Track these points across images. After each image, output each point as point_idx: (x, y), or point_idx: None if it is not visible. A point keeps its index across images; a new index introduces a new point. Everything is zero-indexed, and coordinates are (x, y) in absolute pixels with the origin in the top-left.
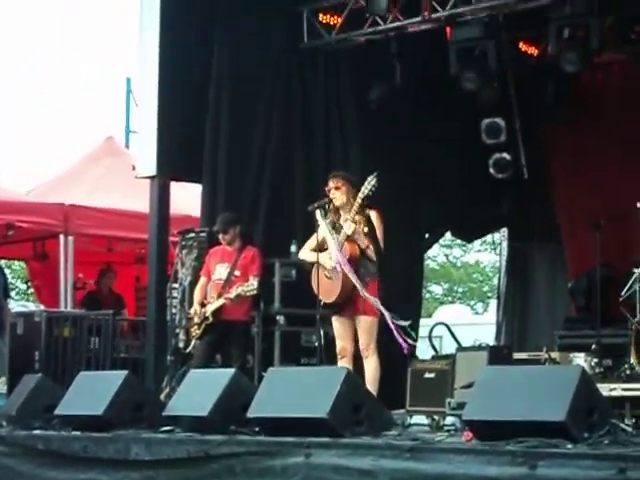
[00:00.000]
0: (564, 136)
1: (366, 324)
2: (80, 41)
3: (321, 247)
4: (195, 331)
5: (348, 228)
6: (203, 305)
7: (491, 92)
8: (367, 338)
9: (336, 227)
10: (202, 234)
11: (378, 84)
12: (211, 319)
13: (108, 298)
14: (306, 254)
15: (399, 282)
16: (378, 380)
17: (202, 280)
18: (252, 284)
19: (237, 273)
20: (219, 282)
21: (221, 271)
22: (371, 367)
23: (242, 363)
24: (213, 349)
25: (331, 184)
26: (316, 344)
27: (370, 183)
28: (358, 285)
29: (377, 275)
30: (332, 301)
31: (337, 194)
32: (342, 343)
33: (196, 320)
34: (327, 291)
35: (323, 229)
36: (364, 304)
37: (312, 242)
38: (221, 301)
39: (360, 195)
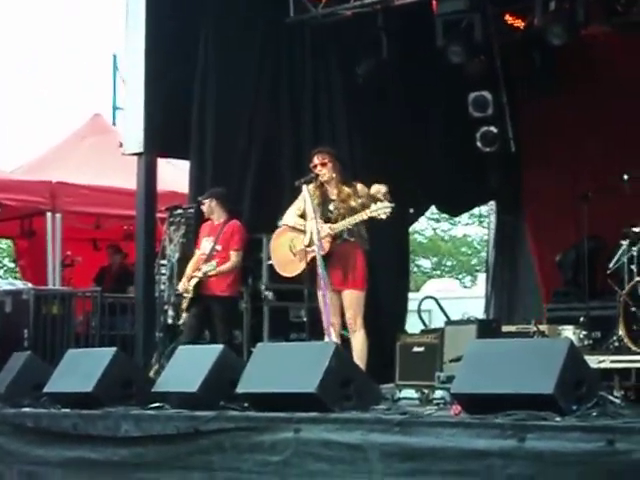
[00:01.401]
0: (551, 109)
1: (352, 298)
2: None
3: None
4: (183, 304)
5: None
6: (191, 279)
7: (477, 65)
8: (353, 312)
9: (327, 201)
10: (190, 211)
11: (365, 58)
12: (192, 294)
13: (116, 274)
14: (289, 218)
15: (385, 257)
16: (366, 354)
17: (196, 254)
18: (212, 264)
19: (218, 247)
20: (203, 256)
21: (206, 245)
22: (358, 341)
23: (228, 339)
24: (200, 324)
25: (316, 160)
26: (305, 319)
27: (381, 209)
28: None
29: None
30: (289, 275)
31: (323, 170)
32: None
33: (183, 294)
34: (285, 264)
35: (308, 206)
36: (348, 277)
37: (295, 208)
38: (197, 277)
39: (368, 212)
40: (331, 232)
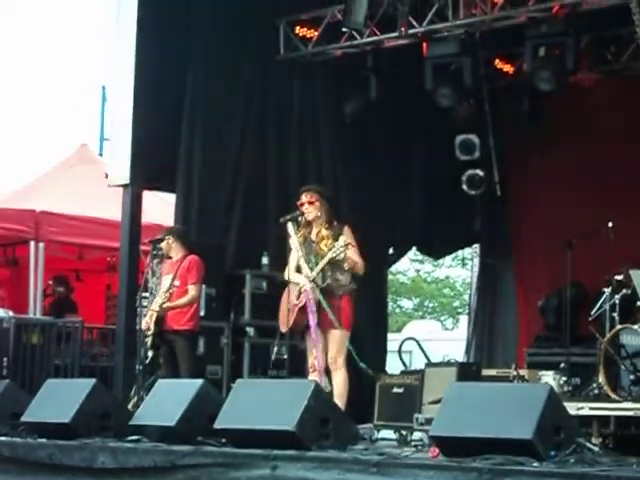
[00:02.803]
0: (538, 154)
1: (335, 337)
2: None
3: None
4: (148, 342)
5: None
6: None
7: (466, 109)
8: (336, 351)
9: (307, 241)
10: None
11: (354, 98)
12: (153, 329)
13: (61, 304)
14: (294, 276)
15: (364, 296)
16: (346, 394)
17: (158, 293)
18: (165, 295)
19: (177, 283)
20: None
21: (166, 282)
22: (339, 380)
23: (192, 373)
24: (172, 359)
25: (304, 198)
26: (285, 356)
27: (338, 249)
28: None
29: (352, 286)
30: (282, 331)
31: (310, 208)
32: (312, 357)
33: (146, 331)
34: (282, 320)
35: (294, 242)
36: (337, 316)
37: (293, 261)
38: (153, 312)
39: (331, 255)
40: (310, 278)
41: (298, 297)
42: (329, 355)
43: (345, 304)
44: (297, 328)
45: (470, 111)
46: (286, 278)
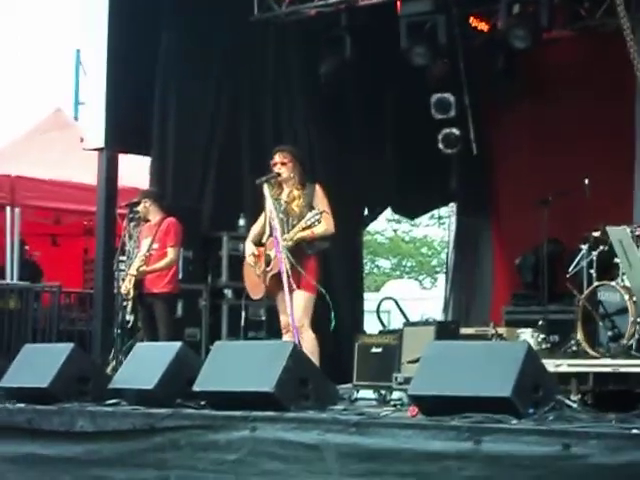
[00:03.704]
0: (512, 112)
1: (299, 299)
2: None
3: (264, 228)
4: (128, 306)
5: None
6: (130, 280)
7: (441, 67)
8: (302, 312)
9: (278, 202)
10: None
11: (328, 58)
12: (132, 293)
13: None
14: (248, 246)
15: (340, 257)
16: (317, 352)
17: (137, 256)
18: (141, 257)
19: (155, 246)
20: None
21: (145, 246)
22: (308, 341)
23: (172, 337)
24: (152, 323)
25: (277, 158)
26: (263, 318)
27: (313, 218)
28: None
29: (320, 245)
30: (256, 298)
31: (283, 169)
32: (285, 318)
33: (127, 296)
34: (253, 288)
35: (269, 204)
36: (299, 279)
37: (256, 229)
38: (132, 276)
39: (302, 224)
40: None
41: (268, 264)
42: (295, 316)
43: (312, 265)
44: (270, 294)
45: (445, 70)
46: (247, 249)
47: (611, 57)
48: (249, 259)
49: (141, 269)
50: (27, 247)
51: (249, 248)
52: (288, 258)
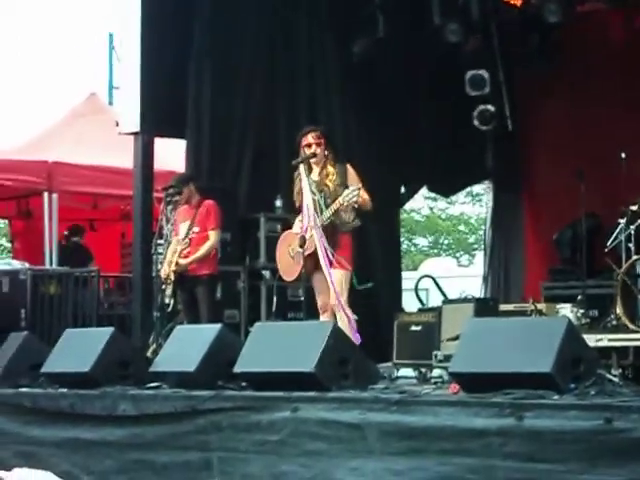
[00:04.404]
0: (548, 87)
1: (335, 277)
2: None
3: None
4: (167, 290)
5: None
6: (171, 264)
7: (474, 44)
8: (339, 291)
9: (310, 181)
10: None
11: (361, 37)
12: (173, 277)
13: (76, 253)
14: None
15: (377, 236)
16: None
17: (173, 241)
18: (185, 242)
19: (196, 229)
20: (181, 242)
21: (183, 229)
22: (343, 319)
23: (212, 318)
24: (192, 305)
25: (311, 139)
26: (302, 298)
27: (351, 194)
28: (323, 262)
29: (355, 223)
30: (290, 280)
31: (318, 149)
32: (323, 298)
33: (167, 280)
34: (286, 270)
35: (305, 184)
36: (336, 256)
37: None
38: (175, 263)
39: (340, 201)
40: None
41: (302, 244)
42: (330, 295)
43: (347, 242)
44: (306, 275)
45: (479, 46)
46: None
47: None
48: (289, 232)
49: (182, 262)
50: (65, 233)
51: (295, 226)
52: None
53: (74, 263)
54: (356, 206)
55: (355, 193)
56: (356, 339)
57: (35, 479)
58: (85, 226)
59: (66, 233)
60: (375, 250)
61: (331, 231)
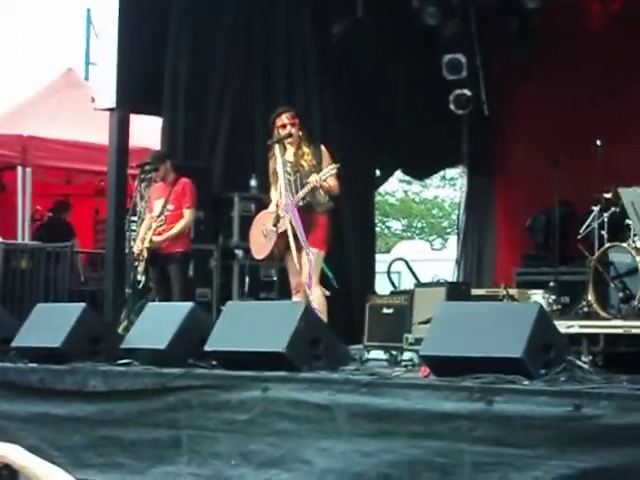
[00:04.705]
0: (525, 73)
1: (312, 256)
2: None
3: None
4: (139, 267)
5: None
6: (144, 241)
7: (452, 28)
8: (312, 270)
9: (284, 162)
10: None
11: (339, 18)
12: (146, 254)
13: (60, 228)
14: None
15: (351, 218)
16: (325, 311)
17: (147, 217)
18: (161, 219)
19: (170, 207)
20: (153, 219)
21: (158, 206)
22: (316, 297)
23: (185, 296)
24: (164, 283)
25: (285, 119)
26: (275, 278)
27: (329, 172)
28: (301, 238)
29: (330, 204)
30: (260, 258)
31: (293, 129)
32: (295, 279)
33: (139, 257)
34: (259, 248)
35: (279, 165)
36: (311, 236)
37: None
38: (149, 240)
39: (316, 178)
40: (295, 201)
41: (275, 224)
42: (302, 274)
43: (323, 222)
44: (276, 254)
45: (456, 30)
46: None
47: (624, 17)
48: (265, 212)
49: (156, 239)
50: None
51: (272, 205)
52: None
53: (56, 239)
54: (326, 185)
55: (332, 172)
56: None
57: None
58: (70, 203)
59: (50, 209)
60: (349, 232)
61: (307, 211)
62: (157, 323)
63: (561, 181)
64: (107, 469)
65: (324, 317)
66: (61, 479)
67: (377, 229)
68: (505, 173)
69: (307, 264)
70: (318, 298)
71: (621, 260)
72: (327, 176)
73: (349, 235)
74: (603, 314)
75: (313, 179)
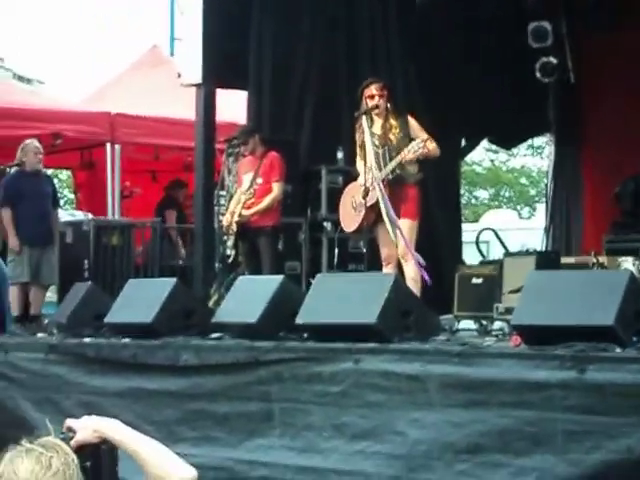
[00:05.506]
0: (612, 40)
1: (404, 228)
2: None
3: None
4: (229, 241)
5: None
6: (233, 214)
7: None
8: (407, 241)
9: (373, 134)
10: None
11: None
12: (235, 228)
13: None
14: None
15: (437, 189)
16: (420, 283)
17: (237, 192)
18: (250, 192)
19: (259, 180)
20: (244, 193)
21: (247, 180)
22: (412, 270)
23: (276, 269)
24: (254, 257)
25: (374, 91)
26: (364, 250)
27: (417, 146)
28: (387, 218)
29: (420, 175)
30: (350, 231)
31: (381, 101)
32: (386, 250)
33: (229, 231)
34: (348, 221)
35: (367, 137)
36: (400, 209)
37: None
38: (238, 214)
39: (405, 152)
40: (383, 173)
41: (365, 196)
42: (398, 246)
43: (414, 194)
44: (365, 227)
45: None
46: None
47: None
48: (355, 184)
49: (245, 213)
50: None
51: (361, 177)
52: (382, 191)
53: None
54: (421, 158)
55: (421, 145)
56: (427, 280)
57: (103, 425)
58: (147, 177)
59: (166, 186)
60: (435, 202)
61: (397, 184)
62: (248, 297)
63: None
64: (200, 443)
65: (418, 288)
66: (160, 453)
67: (464, 199)
68: (592, 140)
69: (400, 237)
70: (414, 269)
71: None
72: (415, 150)
73: (435, 205)
74: None
75: (402, 154)
